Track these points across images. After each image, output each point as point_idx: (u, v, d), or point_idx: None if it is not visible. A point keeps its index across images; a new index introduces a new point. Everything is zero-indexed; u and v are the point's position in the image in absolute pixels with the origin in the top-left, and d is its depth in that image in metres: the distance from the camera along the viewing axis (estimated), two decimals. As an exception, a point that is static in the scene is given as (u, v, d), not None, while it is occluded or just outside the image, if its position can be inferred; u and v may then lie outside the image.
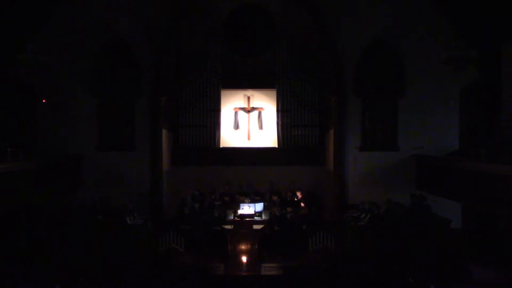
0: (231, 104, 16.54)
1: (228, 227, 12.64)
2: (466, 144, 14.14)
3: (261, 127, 16.45)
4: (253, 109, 16.52)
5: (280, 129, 15.97)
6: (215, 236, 12.54)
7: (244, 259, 11.88)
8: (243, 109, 16.54)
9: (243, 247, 12.39)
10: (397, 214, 12.84)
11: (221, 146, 16.13)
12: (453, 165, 12.27)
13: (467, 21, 13.69)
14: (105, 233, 12.29)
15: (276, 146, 16.12)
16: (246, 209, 13.64)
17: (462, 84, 14.44)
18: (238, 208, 13.75)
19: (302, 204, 14.14)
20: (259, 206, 13.87)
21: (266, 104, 16.52)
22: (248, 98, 16.53)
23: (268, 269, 11.24)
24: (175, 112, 16.06)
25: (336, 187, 14.65)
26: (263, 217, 13.56)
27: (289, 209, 13.44)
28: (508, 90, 12.92)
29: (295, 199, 14.57)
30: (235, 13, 16.39)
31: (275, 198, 14.73)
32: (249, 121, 16.51)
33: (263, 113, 16.48)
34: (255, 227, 12.64)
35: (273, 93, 16.13)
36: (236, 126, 16.47)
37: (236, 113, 16.51)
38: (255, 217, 13.46)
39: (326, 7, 14.55)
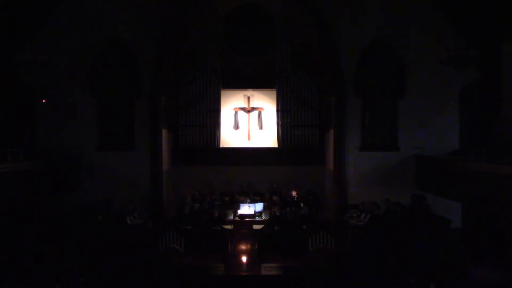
0: (231, 104, 16.53)
1: (228, 227, 12.64)
2: (466, 144, 14.15)
3: (261, 127, 16.45)
4: (253, 109, 16.52)
5: (280, 129, 15.97)
6: (215, 236, 12.53)
7: (244, 259, 11.87)
8: (243, 109, 16.54)
9: (243, 247, 12.38)
10: (397, 214, 12.84)
11: (221, 146, 16.13)
12: (453, 165, 12.27)
13: (467, 21, 13.69)
14: (105, 233, 12.28)
15: (276, 146, 16.12)
16: (246, 209, 13.64)
17: (462, 84, 14.45)
18: (238, 208, 13.75)
19: (302, 204, 14.14)
20: (259, 206, 13.88)
21: (266, 104, 16.52)
22: (248, 98, 16.52)
23: (268, 269, 11.22)
24: (175, 112, 16.06)
25: (336, 187, 14.65)
26: (263, 217, 13.56)
27: (289, 209, 13.45)
28: (508, 90, 12.94)
29: (295, 199, 14.56)
30: (235, 13, 16.38)
31: (275, 198, 14.73)
32: (249, 121, 16.50)
33: (263, 113, 16.48)
34: (255, 227, 12.64)
35: (273, 93, 16.13)
36: (236, 126, 16.46)
37: (236, 113, 16.51)
38: (255, 217, 13.46)
39: (326, 7, 14.56)
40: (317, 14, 14.68)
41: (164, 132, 15.07)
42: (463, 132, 14.61)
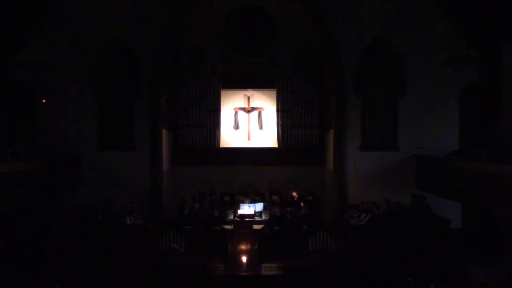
0: (231, 104, 16.53)
1: (228, 227, 12.62)
2: (466, 144, 14.14)
3: (261, 127, 16.45)
4: (253, 109, 16.52)
5: (280, 129, 15.97)
6: (215, 236, 12.54)
7: (244, 259, 11.87)
8: (243, 109, 16.54)
9: (243, 247, 12.36)
10: (397, 214, 12.84)
11: (221, 146, 16.13)
12: (453, 165, 12.26)
13: (467, 21, 13.69)
14: (105, 233, 12.28)
15: (276, 146, 16.12)
16: (246, 209, 13.62)
17: (462, 84, 14.44)
18: (238, 208, 13.74)
19: (302, 204, 14.14)
20: (259, 206, 13.85)
21: (266, 104, 16.52)
22: (248, 98, 16.53)
23: (268, 269, 11.24)
24: (175, 112, 16.07)
25: (336, 187, 14.65)
26: (263, 217, 13.54)
27: (289, 209, 13.45)
28: (508, 90, 12.91)
29: (295, 200, 14.56)
30: (235, 13, 16.39)
31: (275, 198, 14.72)
32: (249, 121, 16.50)
33: (263, 113, 16.48)
34: (255, 227, 12.62)
35: (273, 93, 16.13)
36: (236, 126, 16.47)
37: (236, 113, 16.51)
38: (255, 217, 13.45)
39: (326, 7, 14.56)
40: (318, 14, 14.67)
41: (164, 132, 15.07)
42: (463, 132, 14.59)
